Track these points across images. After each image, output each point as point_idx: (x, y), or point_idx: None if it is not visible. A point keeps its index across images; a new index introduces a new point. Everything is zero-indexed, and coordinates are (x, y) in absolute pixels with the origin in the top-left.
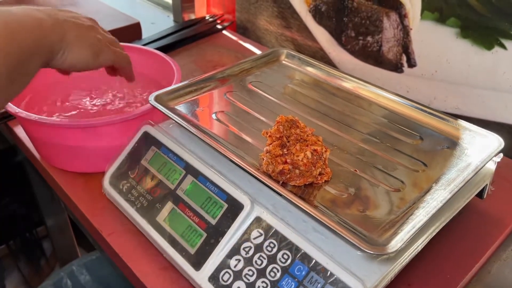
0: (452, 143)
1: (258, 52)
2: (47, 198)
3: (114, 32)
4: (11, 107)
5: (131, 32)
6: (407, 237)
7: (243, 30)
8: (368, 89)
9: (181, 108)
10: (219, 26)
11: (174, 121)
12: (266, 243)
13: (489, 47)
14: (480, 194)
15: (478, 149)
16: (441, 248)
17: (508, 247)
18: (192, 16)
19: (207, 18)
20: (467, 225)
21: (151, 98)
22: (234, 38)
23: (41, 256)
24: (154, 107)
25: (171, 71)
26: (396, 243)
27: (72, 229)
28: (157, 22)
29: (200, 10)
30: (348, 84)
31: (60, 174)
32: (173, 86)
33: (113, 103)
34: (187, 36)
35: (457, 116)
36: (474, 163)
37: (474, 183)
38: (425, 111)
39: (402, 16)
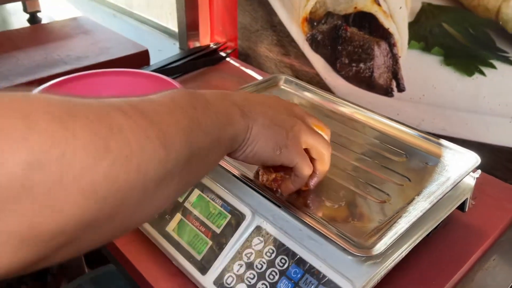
0: (434, 161)
1: (259, 77)
2: None
3: (123, 59)
4: None
5: (140, 58)
6: (390, 242)
7: (245, 57)
8: (361, 112)
9: None
10: (222, 54)
11: None
12: (266, 249)
13: (470, 73)
14: (461, 207)
15: (457, 165)
16: (426, 256)
17: (490, 257)
18: (197, 44)
19: (211, 45)
20: (451, 236)
21: None
22: (236, 64)
23: (47, 272)
24: None
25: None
26: (380, 247)
27: None
28: (163, 49)
29: (205, 38)
30: (343, 108)
31: None
32: None
33: None
34: (193, 63)
35: (443, 137)
36: (453, 178)
37: (454, 196)
38: (411, 132)
39: (391, 45)
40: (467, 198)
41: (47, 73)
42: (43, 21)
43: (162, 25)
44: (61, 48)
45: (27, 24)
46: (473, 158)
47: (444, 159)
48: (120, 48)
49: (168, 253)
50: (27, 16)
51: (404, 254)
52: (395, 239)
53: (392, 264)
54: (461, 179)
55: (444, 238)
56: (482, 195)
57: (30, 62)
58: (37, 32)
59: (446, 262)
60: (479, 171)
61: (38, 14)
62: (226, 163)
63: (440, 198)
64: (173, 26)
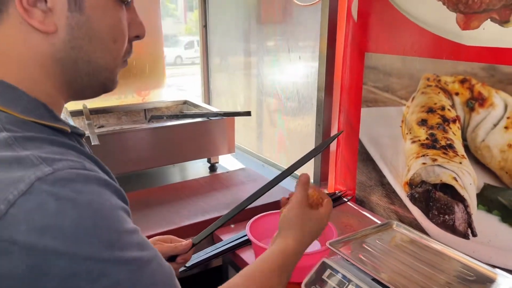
0: (491, 281)
1: (372, 218)
2: None
3: (279, 201)
4: (259, 244)
5: None
6: None
7: (360, 202)
8: (447, 249)
9: (342, 249)
10: (344, 199)
11: (340, 255)
12: None
13: None
14: None
15: (505, 284)
16: None
17: None
18: (325, 191)
19: (336, 193)
20: None
21: (327, 243)
22: (354, 207)
23: None
24: (328, 248)
25: (327, 228)
26: None
27: None
28: None
29: (331, 186)
30: (435, 245)
31: None
32: (337, 238)
33: None
34: None
35: (504, 270)
36: None
37: None
38: (480, 264)
39: (466, 206)
40: None
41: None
42: (218, 170)
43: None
44: (242, 190)
45: (208, 171)
46: None
47: (496, 280)
48: (276, 193)
49: None
50: (208, 164)
51: None
52: None
53: None
54: None
55: None
56: None
57: (224, 200)
58: (221, 178)
59: None
60: None
61: (216, 164)
62: (367, 269)
63: None
64: None
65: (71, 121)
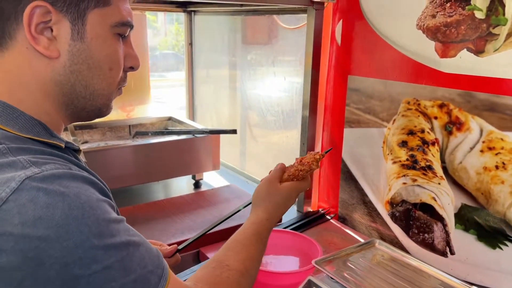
0: None
1: (354, 235)
2: None
3: None
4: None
5: None
6: None
7: (343, 220)
8: (426, 266)
9: (327, 267)
10: (328, 217)
11: (325, 273)
12: None
13: (493, 247)
14: None
15: None
16: None
17: None
18: (309, 209)
19: (319, 210)
20: None
21: (313, 261)
22: (337, 225)
23: None
24: (314, 266)
25: (312, 246)
26: None
27: None
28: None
29: (315, 204)
30: (414, 262)
31: None
32: (322, 256)
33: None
34: (309, 222)
35: (481, 287)
36: None
37: None
38: (457, 282)
39: (444, 225)
40: None
41: (225, 227)
42: (203, 186)
43: None
44: (228, 207)
45: (192, 187)
46: None
47: None
48: None
49: None
50: (192, 181)
51: None
52: None
53: None
54: None
55: None
56: None
57: (210, 217)
58: (206, 195)
59: None
60: None
61: (200, 181)
62: (348, 285)
63: None
64: None
65: None
